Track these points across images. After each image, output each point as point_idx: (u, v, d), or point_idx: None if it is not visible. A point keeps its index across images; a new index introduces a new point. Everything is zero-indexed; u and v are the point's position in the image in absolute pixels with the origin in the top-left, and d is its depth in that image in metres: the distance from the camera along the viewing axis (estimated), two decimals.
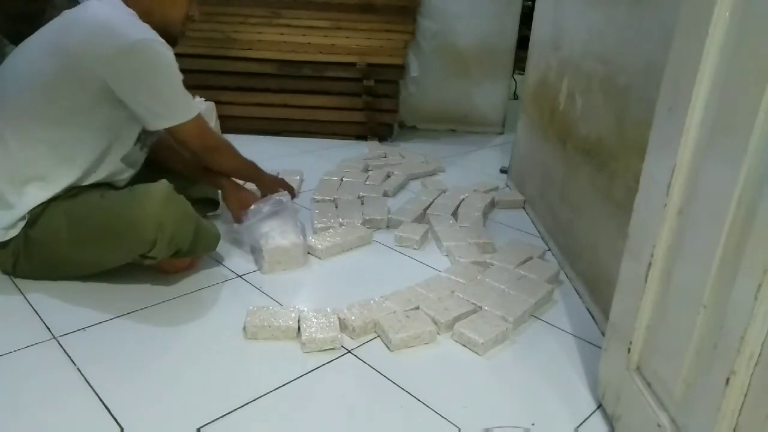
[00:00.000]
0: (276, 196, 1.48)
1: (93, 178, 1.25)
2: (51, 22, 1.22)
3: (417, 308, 1.21)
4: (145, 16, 1.22)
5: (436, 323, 1.16)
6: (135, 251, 1.16)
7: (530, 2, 2.59)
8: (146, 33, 1.18)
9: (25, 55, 1.22)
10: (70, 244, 1.17)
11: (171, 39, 1.26)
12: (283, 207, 1.47)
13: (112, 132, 1.24)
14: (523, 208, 1.97)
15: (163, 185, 1.15)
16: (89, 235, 1.16)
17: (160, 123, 1.25)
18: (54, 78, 1.16)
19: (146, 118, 1.23)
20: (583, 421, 0.95)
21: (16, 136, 1.17)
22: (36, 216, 1.19)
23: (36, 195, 1.18)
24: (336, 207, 1.78)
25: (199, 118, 1.30)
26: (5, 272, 1.26)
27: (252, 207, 1.44)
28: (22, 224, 1.19)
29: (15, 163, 1.17)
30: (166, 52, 1.20)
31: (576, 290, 1.40)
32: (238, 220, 1.47)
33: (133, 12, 1.21)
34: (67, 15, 1.21)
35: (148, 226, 1.11)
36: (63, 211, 1.18)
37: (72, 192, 1.21)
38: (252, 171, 1.57)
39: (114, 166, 1.28)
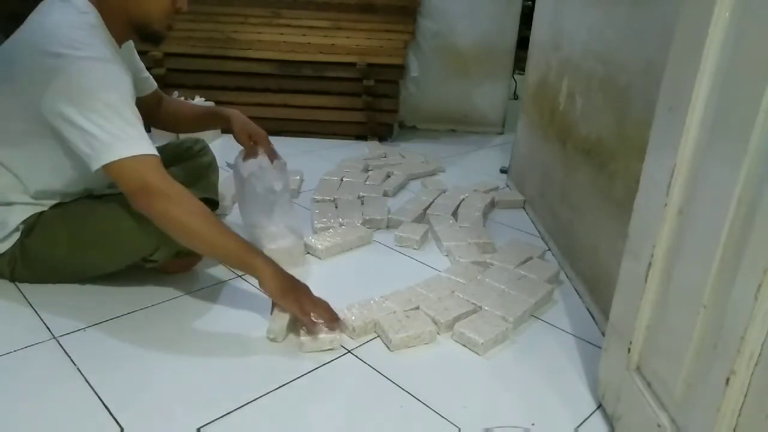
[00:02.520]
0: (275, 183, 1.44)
1: (78, 195, 1.23)
2: (12, 37, 1.11)
3: (417, 308, 1.21)
4: (119, 13, 1.12)
5: (436, 323, 1.16)
6: (136, 255, 1.16)
7: (530, 2, 2.59)
8: (86, 50, 1.02)
9: None
10: (70, 251, 1.17)
11: (155, 35, 1.18)
12: (280, 195, 1.45)
13: (72, 169, 1.14)
14: (523, 208, 1.97)
15: None
16: (89, 242, 1.16)
17: (93, 162, 1.02)
18: (3, 100, 1.09)
19: (82, 157, 1.03)
20: (583, 421, 0.95)
21: None
22: (31, 225, 1.17)
23: (24, 210, 1.17)
24: (336, 207, 1.78)
25: (143, 160, 1.03)
26: (3, 278, 1.25)
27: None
28: (17, 235, 1.18)
29: None
30: (106, 73, 1.03)
31: (576, 290, 1.40)
32: (250, 154, 1.45)
33: (94, 13, 1.09)
34: (22, 25, 1.10)
35: (149, 230, 1.10)
36: (60, 218, 1.17)
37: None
38: (240, 250, 1.09)
39: (97, 191, 1.26)
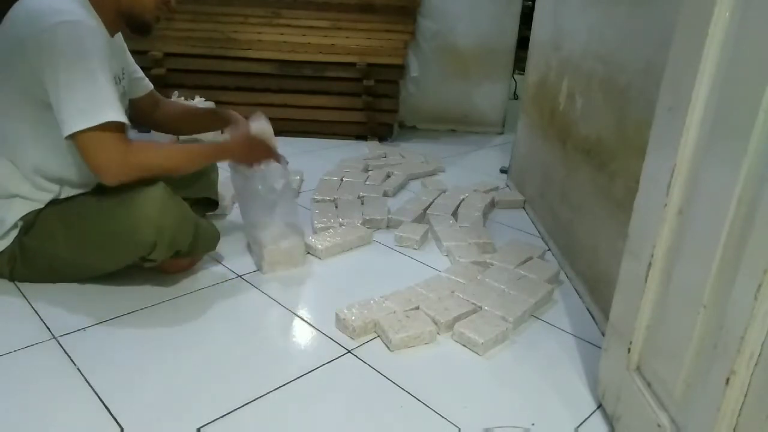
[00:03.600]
0: (277, 182, 1.42)
1: (78, 190, 1.23)
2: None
3: (417, 308, 1.21)
4: (110, 2, 1.14)
5: (436, 323, 1.16)
6: (135, 254, 1.15)
7: (530, 2, 2.59)
8: (68, 15, 1.04)
9: None
10: (68, 249, 1.17)
11: (144, 26, 1.20)
12: (281, 195, 1.44)
13: (67, 147, 1.14)
14: (523, 208, 1.97)
15: (160, 188, 1.14)
16: (87, 240, 1.16)
17: (63, 129, 1.04)
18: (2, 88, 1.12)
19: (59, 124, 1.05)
20: (583, 421, 0.95)
21: None
22: (30, 223, 1.18)
23: (23, 206, 1.17)
24: (336, 207, 1.78)
25: (104, 133, 1.05)
26: (2, 278, 1.25)
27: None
28: (15, 233, 1.18)
29: None
30: (82, 37, 1.04)
31: (576, 290, 1.40)
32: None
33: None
34: (8, 15, 1.12)
35: (147, 229, 1.10)
36: (58, 216, 1.17)
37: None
38: (206, 152, 1.31)
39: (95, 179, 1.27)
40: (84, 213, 1.16)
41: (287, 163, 1.46)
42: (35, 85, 1.07)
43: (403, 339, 1.10)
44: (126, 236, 1.12)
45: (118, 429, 0.86)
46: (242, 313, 1.20)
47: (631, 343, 0.86)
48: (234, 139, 1.38)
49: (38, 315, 1.14)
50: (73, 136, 1.04)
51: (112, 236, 1.14)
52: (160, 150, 1.19)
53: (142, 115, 1.49)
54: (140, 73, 1.42)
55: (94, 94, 1.04)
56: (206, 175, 1.54)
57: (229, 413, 0.91)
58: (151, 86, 1.46)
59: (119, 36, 1.29)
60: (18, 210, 1.17)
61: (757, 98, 0.60)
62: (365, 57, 2.54)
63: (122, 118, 1.08)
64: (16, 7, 1.12)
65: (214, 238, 1.34)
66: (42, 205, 1.18)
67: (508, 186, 2.18)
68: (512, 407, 0.98)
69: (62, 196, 1.21)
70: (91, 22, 1.09)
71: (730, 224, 0.64)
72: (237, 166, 1.41)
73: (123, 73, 1.29)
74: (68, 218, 1.17)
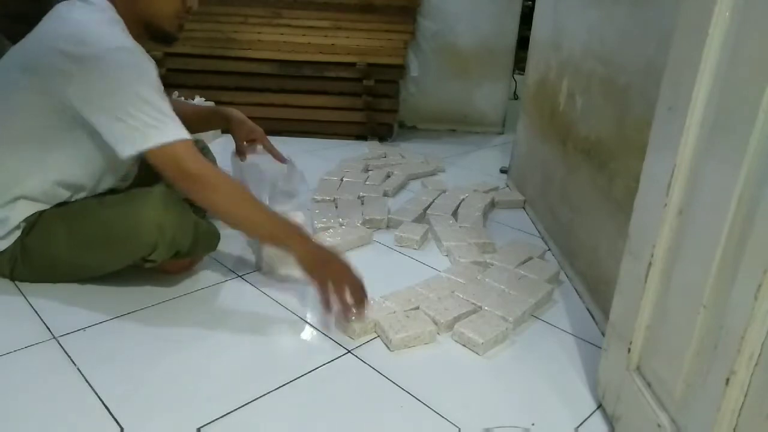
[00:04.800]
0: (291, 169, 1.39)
1: (88, 194, 1.24)
2: (31, 33, 1.13)
3: (417, 308, 1.21)
4: (130, 14, 1.14)
5: (436, 323, 1.16)
6: (135, 255, 1.16)
7: (530, 2, 2.60)
8: (113, 41, 1.06)
9: (2, 66, 1.15)
10: (69, 250, 1.17)
11: (165, 36, 1.20)
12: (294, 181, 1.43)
13: (100, 160, 1.18)
14: (523, 208, 1.97)
15: (161, 189, 1.14)
16: (89, 241, 1.16)
17: (127, 148, 1.06)
18: (24, 96, 1.11)
19: (113, 144, 1.06)
20: (583, 421, 0.95)
21: None
22: (31, 224, 1.18)
23: (26, 207, 1.17)
24: (336, 207, 1.78)
25: (178, 146, 1.07)
26: (3, 277, 1.25)
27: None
28: (17, 233, 1.18)
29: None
30: (135, 63, 1.07)
31: (576, 290, 1.40)
32: (242, 152, 1.48)
33: (113, 11, 1.12)
34: (41, 23, 1.13)
35: (148, 230, 1.10)
36: (60, 218, 1.17)
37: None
38: (278, 228, 1.14)
39: (109, 185, 1.28)
40: (85, 214, 1.16)
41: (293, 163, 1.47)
42: (77, 105, 1.06)
43: (403, 339, 1.10)
44: (127, 237, 1.12)
45: (118, 429, 0.86)
46: (242, 313, 1.20)
47: (631, 343, 0.86)
48: (312, 249, 1.15)
49: (38, 315, 1.14)
50: (148, 152, 1.05)
51: (114, 237, 1.14)
52: (230, 187, 1.12)
53: None
54: None
55: (158, 115, 1.06)
56: None
57: (229, 413, 0.91)
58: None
59: None
60: (23, 211, 1.17)
61: (757, 98, 0.60)
62: (365, 57, 2.54)
63: (187, 134, 1.09)
64: (50, 24, 1.12)
65: (215, 239, 1.33)
66: (47, 207, 1.18)
67: (508, 186, 2.18)
68: (512, 407, 0.98)
69: (72, 200, 1.21)
70: (132, 45, 1.10)
71: (730, 224, 0.64)
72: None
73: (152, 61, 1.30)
74: (70, 219, 1.17)
